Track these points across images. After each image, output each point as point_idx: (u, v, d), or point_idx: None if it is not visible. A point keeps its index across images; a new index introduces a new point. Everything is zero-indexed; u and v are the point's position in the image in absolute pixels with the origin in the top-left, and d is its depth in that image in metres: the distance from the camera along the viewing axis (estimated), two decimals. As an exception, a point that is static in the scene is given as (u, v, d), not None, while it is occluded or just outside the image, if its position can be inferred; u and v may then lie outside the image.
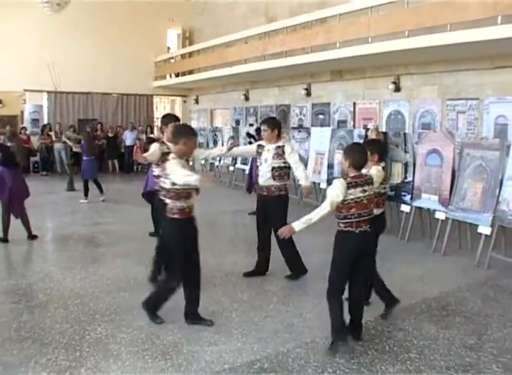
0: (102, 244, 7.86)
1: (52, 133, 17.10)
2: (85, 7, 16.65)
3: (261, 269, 6.10)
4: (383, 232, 5.07)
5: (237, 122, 17.31)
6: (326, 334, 4.37)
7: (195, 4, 19.89)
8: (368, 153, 4.48)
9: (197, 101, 20.32)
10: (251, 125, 14.68)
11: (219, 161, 14.74)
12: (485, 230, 6.56)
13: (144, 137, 16.98)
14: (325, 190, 9.78)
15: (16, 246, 7.57)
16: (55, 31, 16.71)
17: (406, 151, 8.11)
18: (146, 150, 6.15)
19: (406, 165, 8.09)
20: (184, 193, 4.43)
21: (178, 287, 4.61)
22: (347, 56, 10.39)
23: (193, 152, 4.81)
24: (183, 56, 19.17)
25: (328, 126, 12.55)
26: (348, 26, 10.61)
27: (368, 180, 4.23)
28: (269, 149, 5.89)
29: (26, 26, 16.61)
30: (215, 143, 15.31)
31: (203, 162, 15.61)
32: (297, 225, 4.17)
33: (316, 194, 10.54)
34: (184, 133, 4.55)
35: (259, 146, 6.10)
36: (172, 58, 19.90)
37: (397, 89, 11.28)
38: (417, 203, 7.84)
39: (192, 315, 4.68)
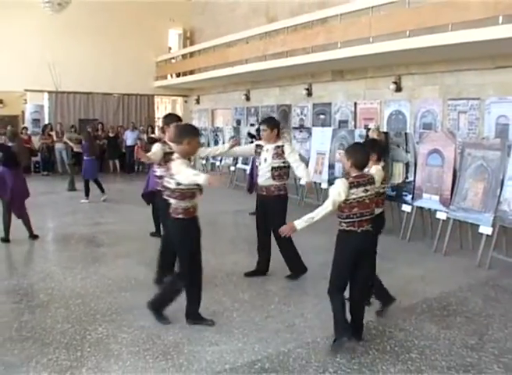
0: (103, 244, 7.87)
1: (53, 133, 17.08)
2: (86, 7, 16.65)
3: (261, 269, 6.10)
4: (382, 231, 5.07)
5: (238, 122, 17.30)
6: (327, 334, 4.38)
7: (196, 4, 19.89)
8: None
9: (198, 101, 20.32)
10: (252, 125, 14.67)
11: (220, 161, 14.74)
12: (486, 230, 6.56)
13: (144, 137, 16.99)
14: (325, 190, 9.78)
15: (17, 246, 7.58)
16: (55, 31, 16.70)
17: (407, 151, 8.10)
18: (147, 150, 6.15)
19: (407, 165, 8.09)
20: (189, 193, 4.45)
21: (184, 288, 4.61)
22: (348, 56, 10.38)
23: (196, 152, 4.82)
24: (183, 56, 19.18)
25: (330, 126, 12.54)
26: (349, 26, 10.60)
27: (370, 180, 4.24)
28: (268, 149, 5.88)
29: (27, 26, 16.60)
30: (216, 143, 15.30)
31: (204, 162, 15.62)
32: (299, 223, 4.18)
33: (317, 194, 10.53)
34: (188, 133, 4.56)
35: (258, 146, 6.10)
36: (173, 58, 19.90)
37: (398, 89, 11.27)
38: (418, 203, 7.84)
39: (193, 315, 4.67)
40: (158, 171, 5.72)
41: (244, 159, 13.08)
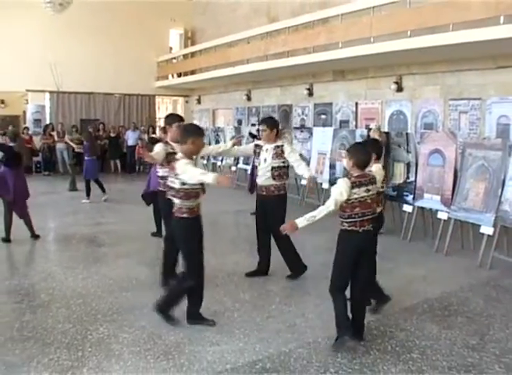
0: (104, 244, 7.87)
1: (54, 134, 17.12)
2: (87, 7, 16.66)
3: (262, 269, 6.10)
4: (383, 231, 5.07)
5: (239, 122, 17.31)
6: (328, 334, 4.38)
7: (197, 4, 19.90)
8: None
9: (199, 102, 20.33)
10: (253, 125, 14.67)
11: (221, 161, 14.74)
12: (487, 230, 6.55)
13: (146, 137, 17.00)
14: (327, 190, 9.78)
15: (18, 246, 7.59)
16: (57, 31, 16.72)
17: (408, 151, 8.10)
18: (149, 150, 6.14)
19: (408, 165, 8.09)
20: (193, 192, 4.47)
21: (192, 287, 4.61)
22: (349, 56, 10.38)
23: (201, 151, 4.84)
24: (185, 56, 19.18)
25: (331, 126, 12.55)
26: (350, 26, 10.60)
27: (372, 180, 4.26)
28: (268, 149, 5.88)
29: (28, 26, 16.62)
30: (217, 143, 15.29)
31: (205, 161, 15.63)
32: (300, 221, 4.19)
33: (318, 194, 10.54)
34: (192, 133, 4.57)
35: (256, 146, 6.09)
36: (175, 58, 19.91)
37: (399, 89, 11.28)
38: (419, 203, 7.83)
39: (194, 315, 4.68)
40: (161, 171, 5.71)
41: (245, 159, 13.07)
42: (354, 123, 12.50)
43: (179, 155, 4.52)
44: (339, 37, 10.78)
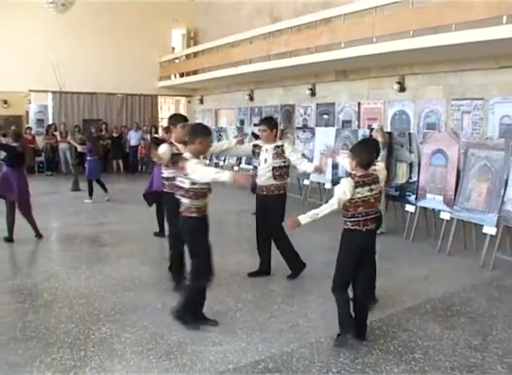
0: (107, 243, 7.88)
1: (57, 134, 17.16)
2: (90, 7, 16.68)
3: (264, 269, 6.09)
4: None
5: (242, 122, 17.31)
6: (331, 334, 4.38)
7: (200, 4, 19.91)
8: None
9: (201, 102, 20.33)
10: (256, 125, 14.65)
11: (224, 161, 14.73)
12: (490, 230, 6.54)
13: (148, 137, 17.01)
14: (329, 190, 9.78)
15: (21, 246, 7.59)
16: (59, 32, 16.73)
17: (411, 152, 8.10)
18: (150, 150, 6.12)
19: (411, 165, 8.08)
20: (201, 192, 4.50)
21: (208, 286, 4.60)
22: (352, 56, 10.39)
23: (208, 151, 4.85)
24: (187, 56, 19.18)
25: (333, 126, 12.55)
26: (353, 26, 10.60)
27: (375, 179, 4.26)
28: (268, 149, 5.89)
29: (31, 26, 16.64)
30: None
31: (207, 161, 15.62)
32: (303, 218, 4.20)
33: (320, 194, 10.54)
34: (200, 133, 4.59)
35: (255, 146, 6.09)
36: (177, 58, 19.92)
37: (402, 89, 11.28)
38: (421, 203, 7.83)
39: (196, 315, 4.68)
40: (166, 173, 5.66)
41: (248, 159, 13.06)
42: (357, 123, 12.50)
43: (188, 154, 4.52)
44: (342, 37, 10.79)
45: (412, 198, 7.97)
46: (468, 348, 4.28)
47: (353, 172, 4.26)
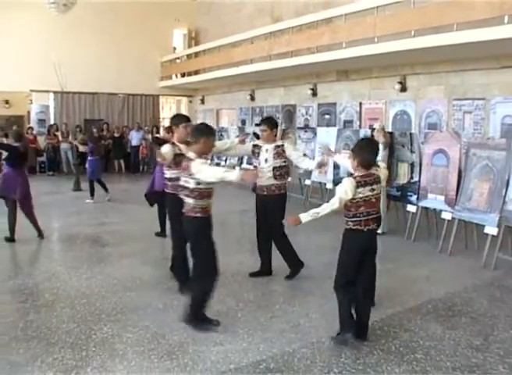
0: (108, 243, 7.88)
1: (59, 134, 17.19)
2: (91, 7, 16.69)
3: (265, 269, 6.09)
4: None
5: (243, 122, 17.31)
6: (332, 334, 4.38)
7: (201, 4, 19.91)
8: None
9: (202, 102, 20.33)
10: (257, 125, 14.65)
11: (225, 161, 14.72)
12: (491, 230, 6.54)
13: (149, 137, 17.03)
14: (330, 190, 9.78)
15: (22, 246, 7.60)
16: (61, 32, 16.76)
17: (412, 152, 8.09)
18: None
19: (412, 165, 8.08)
20: (206, 192, 4.51)
21: (214, 287, 4.60)
22: (353, 56, 10.38)
23: (212, 151, 4.86)
24: (188, 56, 19.20)
25: (334, 126, 12.54)
26: (354, 26, 10.60)
27: (377, 179, 4.27)
28: (268, 149, 5.89)
29: (32, 26, 16.67)
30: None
31: (208, 161, 15.60)
32: (304, 216, 4.22)
33: (322, 194, 10.54)
34: (204, 132, 4.60)
35: (255, 146, 6.09)
36: (178, 58, 19.93)
37: (403, 89, 11.26)
38: (423, 203, 7.82)
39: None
40: (168, 173, 5.63)
41: (249, 159, 13.05)
42: (358, 123, 12.49)
43: (192, 154, 4.52)
44: (343, 37, 10.78)
45: (413, 198, 7.97)
46: (470, 348, 4.28)
47: (355, 172, 4.26)
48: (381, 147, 7.87)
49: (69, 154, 16.84)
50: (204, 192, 4.49)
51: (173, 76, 20.05)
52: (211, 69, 16.38)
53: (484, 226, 6.68)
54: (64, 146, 16.97)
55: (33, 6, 15.63)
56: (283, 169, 5.89)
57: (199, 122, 18.66)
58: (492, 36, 7.62)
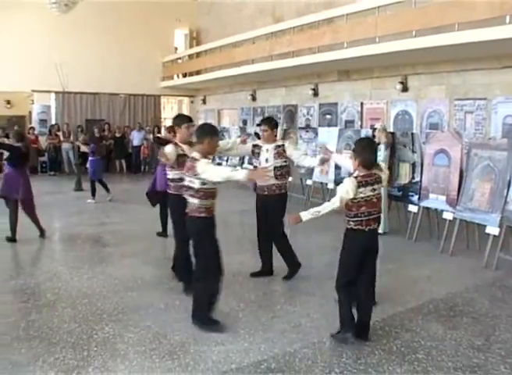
0: (109, 243, 7.89)
1: (60, 134, 17.20)
2: (93, 7, 16.70)
3: (266, 269, 6.09)
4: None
5: (244, 122, 17.31)
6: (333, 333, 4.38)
7: (202, 4, 19.92)
8: None
9: (204, 102, 20.34)
10: (258, 125, 14.64)
11: (226, 161, 14.72)
12: (493, 230, 6.53)
13: (151, 137, 17.03)
14: (332, 190, 9.77)
15: (24, 246, 7.61)
16: (62, 32, 16.77)
17: (413, 152, 8.09)
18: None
19: (413, 165, 8.08)
20: (210, 192, 4.52)
21: (220, 287, 4.60)
22: (354, 56, 10.38)
23: (216, 151, 4.87)
24: (190, 56, 19.22)
25: (336, 126, 12.54)
26: (355, 26, 10.59)
27: (378, 179, 4.27)
28: (268, 149, 5.90)
29: (34, 26, 16.68)
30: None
31: (209, 161, 15.60)
32: (305, 215, 4.23)
33: (323, 194, 10.54)
34: (208, 133, 4.62)
35: (255, 146, 6.09)
36: (180, 58, 19.94)
37: (405, 89, 11.26)
38: (424, 203, 7.82)
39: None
40: (171, 174, 5.63)
41: (250, 159, 13.05)
42: (359, 123, 12.49)
43: (197, 154, 4.52)
44: (344, 37, 10.78)
45: (415, 198, 7.97)
46: (471, 348, 4.27)
47: (356, 172, 4.27)
48: (382, 147, 7.90)
49: (71, 154, 16.87)
50: (209, 192, 4.50)
51: (175, 76, 20.06)
52: (212, 69, 16.39)
53: (485, 226, 6.67)
54: (65, 146, 16.99)
55: (34, 6, 15.65)
56: (284, 169, 5.90)
57: (201, 122, 18.75)
58: (494, 36, 7.62)
